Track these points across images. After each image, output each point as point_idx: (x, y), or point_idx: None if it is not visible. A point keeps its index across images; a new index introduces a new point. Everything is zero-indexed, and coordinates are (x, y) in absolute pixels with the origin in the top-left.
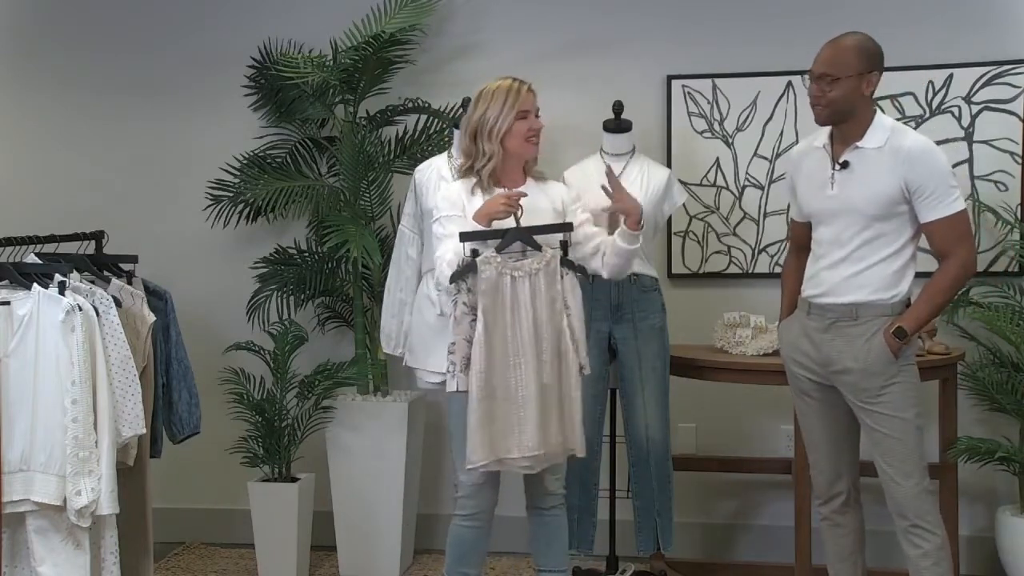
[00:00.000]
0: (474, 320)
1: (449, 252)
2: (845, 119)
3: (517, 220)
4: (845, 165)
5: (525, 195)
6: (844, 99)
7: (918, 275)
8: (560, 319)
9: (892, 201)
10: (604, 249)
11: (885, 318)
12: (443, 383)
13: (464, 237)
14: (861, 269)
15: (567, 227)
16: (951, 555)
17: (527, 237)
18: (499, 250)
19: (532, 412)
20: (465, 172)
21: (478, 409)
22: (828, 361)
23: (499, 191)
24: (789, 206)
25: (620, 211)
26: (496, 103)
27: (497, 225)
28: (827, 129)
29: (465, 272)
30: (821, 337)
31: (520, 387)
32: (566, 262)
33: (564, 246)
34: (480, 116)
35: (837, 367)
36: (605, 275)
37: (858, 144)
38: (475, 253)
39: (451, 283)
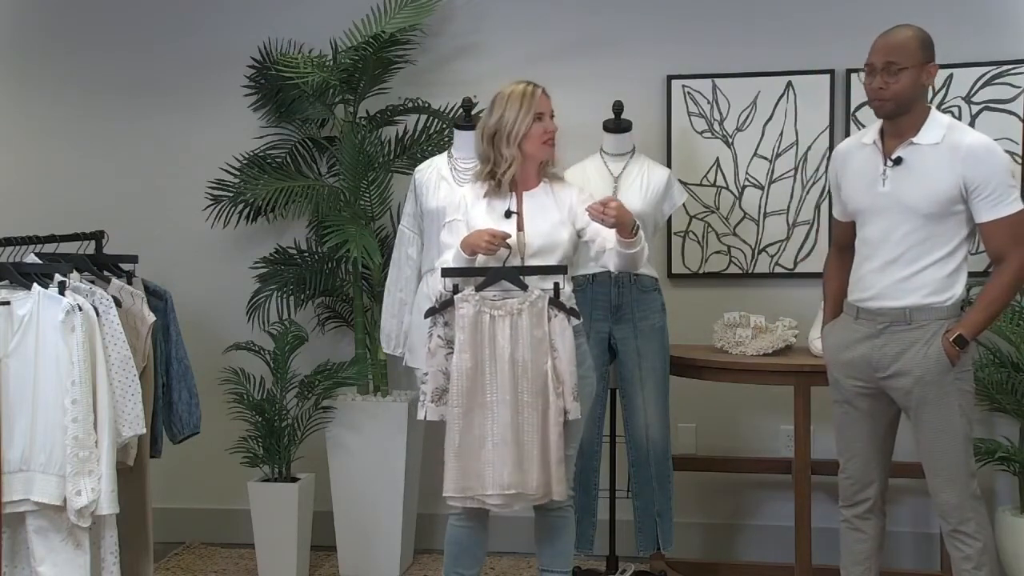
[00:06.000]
0: (449, 353)
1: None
2: (905, 111)
3: (516, 251)
4: (899, 161)
5: (509, 236)
6: (909, 90)
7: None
8: (544, 361)
9: (949, 200)
10: (606, 247)
11: (941, 322)
12: None
13: (446, 273)
14: (914, 272)
15: (561, 270)
16: (994, 559)
17: (512, 277)
18: (479, 289)
19: (508, 452)
20: (485, 176)
21: (455, 444)
22: (880, 367)
23: (511, 195)
24: (832, 206)
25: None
26: (512, 107)
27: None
28: (876, 126)
29: (442, 308)
30: (872, 343)
31: (496, 426)
32: (556, 303)
33: (557, 287)
34: (498, 120)
35: (890, 372)
36: (613, 269)
37: (913, 140)
38: (456, 289)
39: (426, 318)
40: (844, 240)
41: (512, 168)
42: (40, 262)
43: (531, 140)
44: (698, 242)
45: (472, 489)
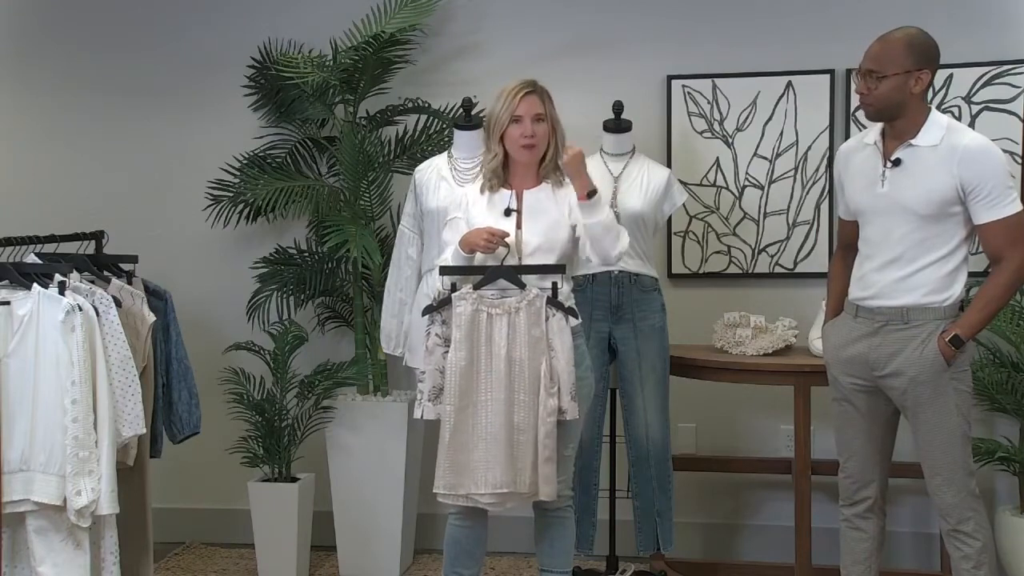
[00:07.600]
0: (446, 352)
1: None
2: (895, 116)
3: (514, 250)
4: (897, 163)
5: (508, 234)
6: (891, 96)
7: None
8: (541, 360)
9: (946, 201)
10: (584, 239)
11: (938, 322)
12: None
13: (444, 271)
14: (913, 271)
15: (559, 269)
16: (993, 559)
17: (510, 275)
18: (477, 287)
19: (500, 450)
20: (480, 171)
21: (448, 442)
22: (876, 365)
23: (504, 192)
24: (837, 205)
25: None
26: (498, 103)
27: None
28: (878, 126)
29: (440, 306)
30: (869, 341)
31: (489, 424)
32: (554, 302)
33: (555, 287)
34: (488, 114)
35: (886, 371)
36: (595, 262)
37: (912, 142)
38: (454, 287)
39: (424, 316)
40: (849, 239)
41: (494, 161)
42: (40, 262)
43: (509, 140)
44: (698, 242)
45: (463, 487)
